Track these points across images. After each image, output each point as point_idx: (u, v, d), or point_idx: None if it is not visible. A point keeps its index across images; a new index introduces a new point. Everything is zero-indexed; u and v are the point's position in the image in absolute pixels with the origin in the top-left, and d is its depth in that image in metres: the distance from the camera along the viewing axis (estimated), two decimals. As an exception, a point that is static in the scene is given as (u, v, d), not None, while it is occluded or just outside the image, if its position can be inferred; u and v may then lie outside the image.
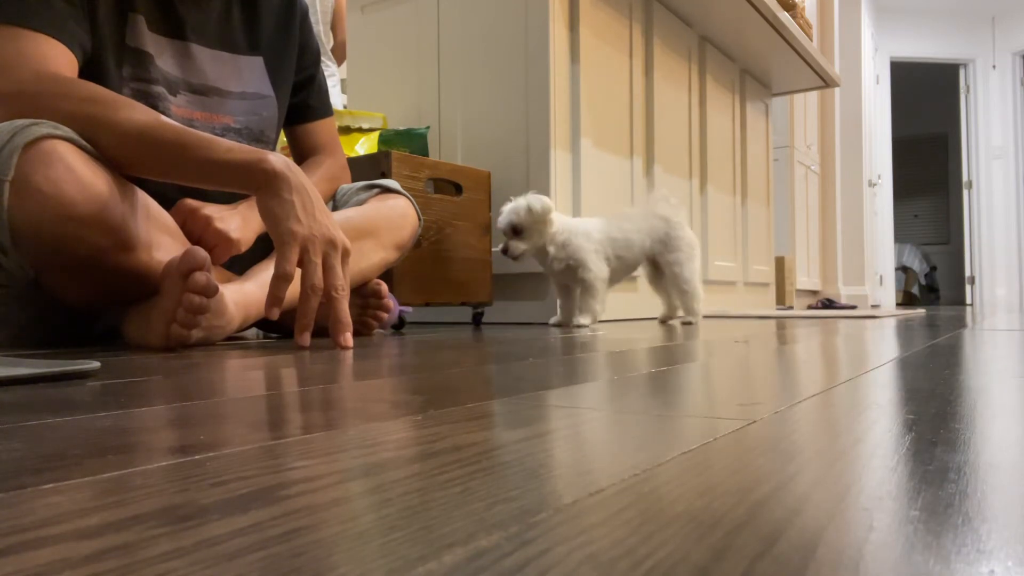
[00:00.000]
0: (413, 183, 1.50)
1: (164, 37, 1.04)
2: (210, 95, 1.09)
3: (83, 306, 0.95)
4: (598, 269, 1.54)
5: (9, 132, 0.78)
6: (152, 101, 1.01)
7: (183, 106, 1.05)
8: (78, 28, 0.93)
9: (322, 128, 1.28)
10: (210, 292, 0.85)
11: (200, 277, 0.83)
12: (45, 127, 0.80)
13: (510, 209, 1.48)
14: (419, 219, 1.26)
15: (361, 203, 1.20)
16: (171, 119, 0.93)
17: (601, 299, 1.56)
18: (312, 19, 2.72)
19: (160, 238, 0.92)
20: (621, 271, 1.64)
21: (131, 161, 0.86)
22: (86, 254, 0.84)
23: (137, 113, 0.86)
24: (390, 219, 1.19)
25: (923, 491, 0.24)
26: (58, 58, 0.89)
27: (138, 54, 1.01)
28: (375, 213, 1.18)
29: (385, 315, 1.21)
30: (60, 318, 0.97)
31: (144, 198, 0.91)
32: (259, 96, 1.15)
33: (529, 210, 1.46)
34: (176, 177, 0.88)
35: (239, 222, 1.04)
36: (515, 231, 1.49)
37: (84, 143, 0.84)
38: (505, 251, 1.49)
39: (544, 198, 1.48)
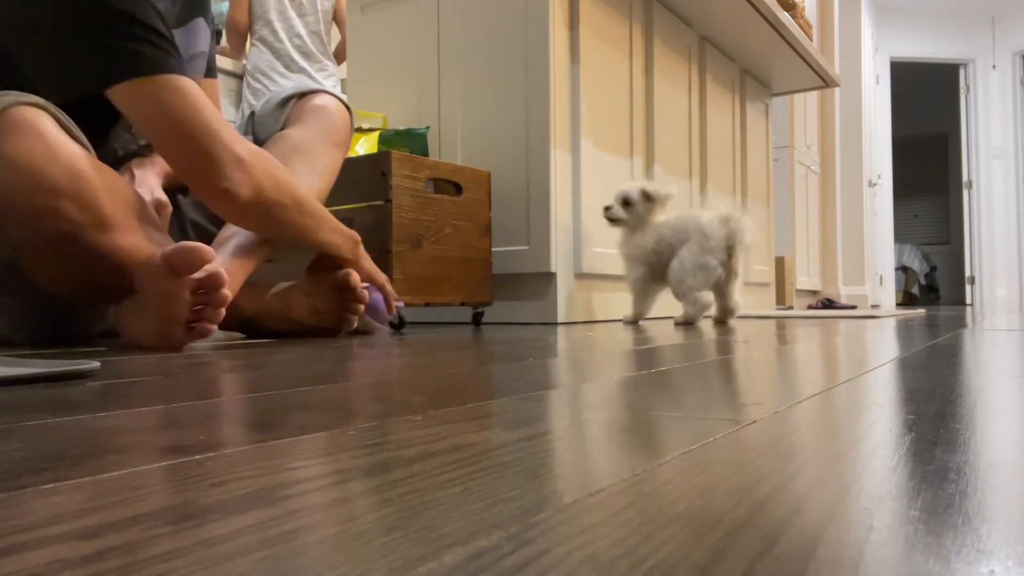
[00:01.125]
0: (413, 183, 1.50)
1: None
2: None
3: (61, 293, 0.93)
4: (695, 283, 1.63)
5: None
6: None
7: None
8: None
9: (211, 89, 1.25)
10: (221, 284, 0.84)
11: (224, 274, 0.84)
12: (12, 96, 0.79)
13: (632, 186, 1.70)
14: (348, 110, 1.22)
15: (281, 126, 1.18)
16: None
17: (694, 301, 1.63)
18: (312, 19, 2.72)
19: (132, 220, 0.90)
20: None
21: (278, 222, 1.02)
22: (62, 230, 0.82)
23: (301, 180, 1.02)
24: (319, 125, 1.16)
25: (923, 491, 0.24)
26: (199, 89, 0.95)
27: None
28: (299, 127, 1.16)
29: (361, 306, 1.14)
30: (56, 313, 0.97)
31: (115, 176, 0.89)
32: (204, 55, 1.14)
33: (643, 192, 1.68)
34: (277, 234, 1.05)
35: (153, 181, 1.06)
36: (625, 202, 1.70)
37: (55, 110, 0.83)
38: (608, 209, 1.72)
39: (664, 191, 1.68)
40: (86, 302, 0.98)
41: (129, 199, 0.91)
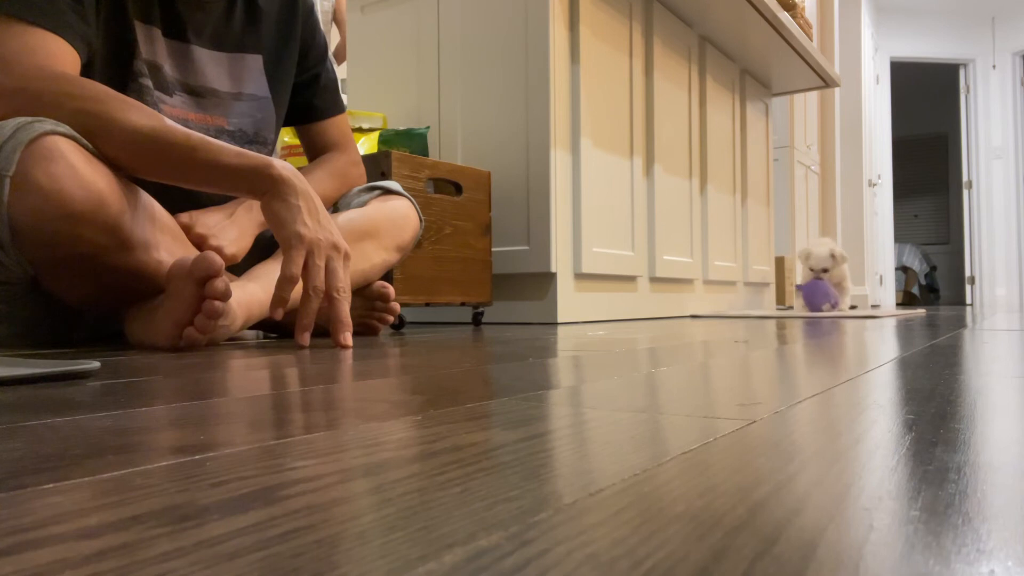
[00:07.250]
0: (413, 183, 1.50)
1: (165, 38, 1.04)
2: (206, 96, 1.08)
3: (82, 305, 0.95)
4: None
5: (12, 128, 0.78)
6: (147, 101, 1.01)
7: (178, 107, 1.05)
8: (84, 26, 0.93)
9: (330, 127, 1.27)
10: (226, 297, 0.85)
11: (220, 284, 0.84)
12: (47, 124, 0.80)
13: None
14: (420, 220, 1.27)
15: (363, 204, 1.21)
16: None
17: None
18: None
19: (161, 238, 0.92)
20: None
21: (137, 163, 0.87)
22: (85, 252, 0.84)
23: (145, 115, 0.87)
24: (392, 220, 1.20)
25: (923, 491, 0.24)
26: (62, 55, 0.90)
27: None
28: (377, 215, 1.19)
29: (392, 317, 1.22)
30: (61, 317, 0.97)
31: (146, 198, 0.91)
32: (254, 98, 1.14)
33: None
34: (181, 180, 0.89)
35: (235, 234, 1.04)
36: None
37: (85, 142, 0.84)
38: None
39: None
40: (102, 309, 0.99)
41: (158, 219, 0.93)
